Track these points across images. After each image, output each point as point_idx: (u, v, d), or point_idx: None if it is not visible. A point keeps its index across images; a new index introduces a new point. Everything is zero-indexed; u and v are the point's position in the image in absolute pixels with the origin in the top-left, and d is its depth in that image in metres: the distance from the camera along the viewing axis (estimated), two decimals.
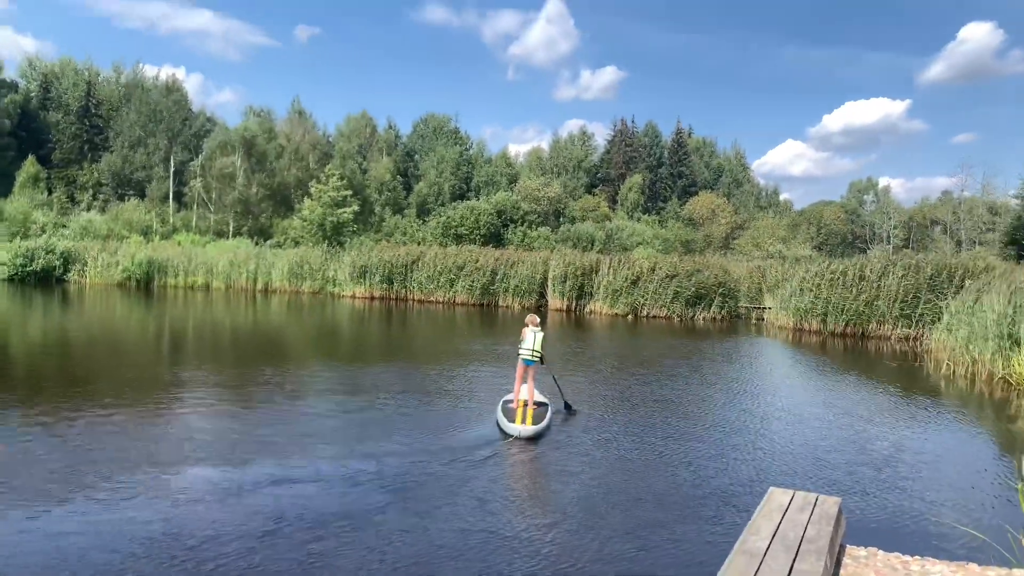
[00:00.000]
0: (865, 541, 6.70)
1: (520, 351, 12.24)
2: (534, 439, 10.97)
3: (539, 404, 12.43)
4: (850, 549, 6.42)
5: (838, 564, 6.06)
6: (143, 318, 28.01)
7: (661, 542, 7.15)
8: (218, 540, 6.73)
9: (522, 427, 11.00)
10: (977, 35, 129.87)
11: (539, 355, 12.19)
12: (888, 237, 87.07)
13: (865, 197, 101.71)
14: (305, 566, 6.31)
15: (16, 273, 40.48)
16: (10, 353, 18.18)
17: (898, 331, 26.57)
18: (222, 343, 21.88)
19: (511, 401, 12.41)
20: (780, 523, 6.04)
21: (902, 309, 26.64)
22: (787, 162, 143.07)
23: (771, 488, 7.02)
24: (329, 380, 15.71)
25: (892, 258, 29.46)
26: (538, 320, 12.57)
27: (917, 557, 6.28)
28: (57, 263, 41.69)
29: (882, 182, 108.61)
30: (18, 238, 45.55)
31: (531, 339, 12.16)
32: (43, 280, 40.80)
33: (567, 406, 12.84)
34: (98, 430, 10.45)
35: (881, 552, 6.38)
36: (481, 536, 7.09)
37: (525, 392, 12.27)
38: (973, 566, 6.08)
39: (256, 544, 6.69)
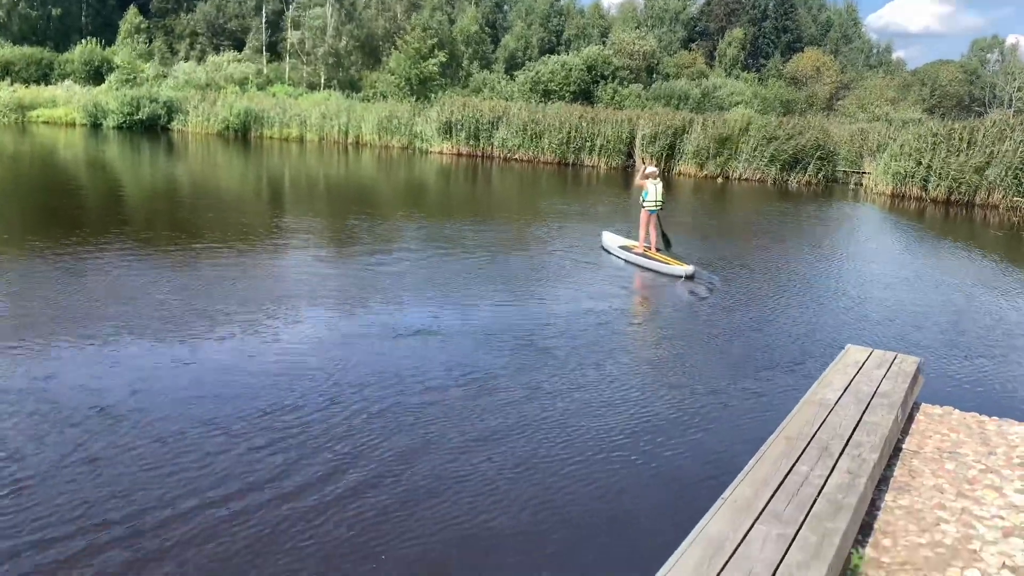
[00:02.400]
0: (943, 401, 6.73)
1: (644, 203, 13.39)
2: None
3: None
4: (925, 407, 6.48)
5: (911, 420, 6.15)
6: (245, 168, 28.98)
7: (737, 392, 7.35)
8: (350, 379, 7.24)
9: (686, 267, 12.43)
10: None
11: (662, 204, 13.50)
12: (1010, 100, 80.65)
13: (988, 56, 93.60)
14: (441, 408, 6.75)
15: (124, 121, 42.03)
16: (126, 200, 19.24)
17: (1008, 200, 25.13)
18: (320, 194, 22.58)
19: (630, 248, 13.70)
20: (854, 378, 6.13)
21: (1015, 176, 25.08)
22: (905, 17, 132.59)
23: (848, 345, 7.07)
24: (430, 232, 16.15)
25: (1011, 122, 27.44)
26: (657, 172, 13.62)
27: (995, 418, 6.30)
28: (161, 112, 43.00)
29: (1010, 40, 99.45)
30: (126, 87, 46.98)
31: (654, 190, 13.28)
32: (149, 128, 42.26)
33: (666, 240, 13.72)
34: (215, 272, 11.11)
35: (957, 411, 6.42)
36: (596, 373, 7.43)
37: (650, 240, 13.52)
38: None
39: (389, 389, 6.99)
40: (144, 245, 12.64)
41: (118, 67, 53.26)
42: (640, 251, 13.49)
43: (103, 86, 49.84)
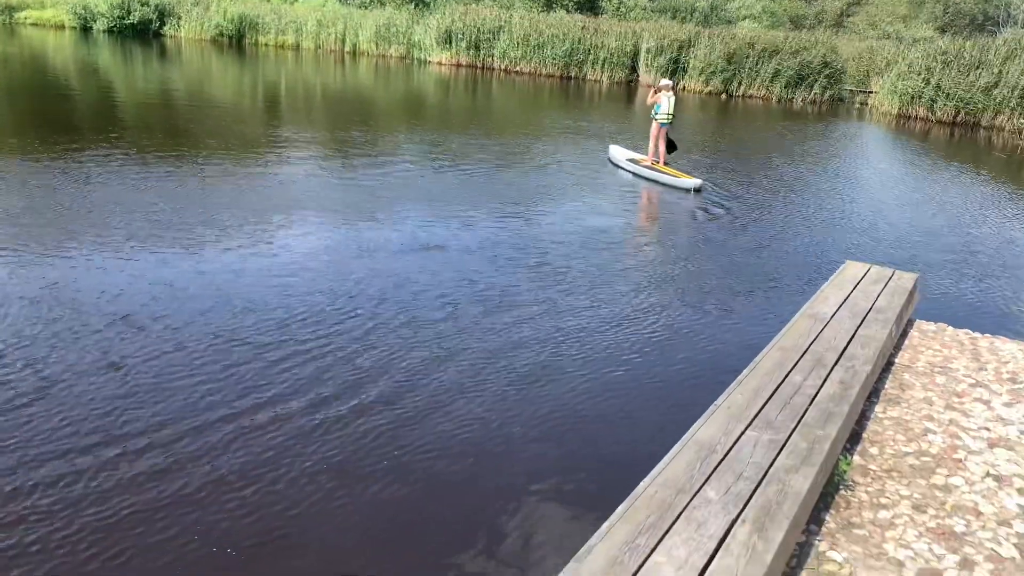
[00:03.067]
0: (938, 318, 6.78)
1: (656, 116, 13.50)
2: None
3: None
4: (919, 323, 6.54)
5: (905, 335, 6.21)
6: (241, 76, 28.36)
7: (738, 306, 7.40)
8: (350, 287, 7.27)
9: (693, 181, 12.59)
10: None
11: (672, 117, 13.60)
12: None
13: None
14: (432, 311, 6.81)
15: (115, 25, 40.89)
16: (120, 106, 18.86)
17: (1014, 122, 24.77)
18: (318, 104, 22.17)
19: (638, 161, 13.87)
20: (851, 293, 6.15)
21: (1023, 98, 24.64)
22: None
23: (847, 261, 7.07)
24: (432, 145, 15.94)
25: (1022, 41, 26.78)
26: (671, 84, 13.79)
27: (988, 335, 6.36)
28: (152, 16, 41.79)
29: None
30: None
31: (667, 103, 13.41)
32: (140, 33, 41.15)
33: (672, 144, 13.90)
34: (217, 180, 10.99)
35: (950, 328, 6.48)
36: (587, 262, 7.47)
37: (659, 154, 13.72)
38: None
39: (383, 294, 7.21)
40: (142, 153, 12.45)
41: None
42: (648, 164, 13.65)
43: None
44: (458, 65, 36.42)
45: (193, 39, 40.95)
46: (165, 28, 42.21)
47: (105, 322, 5.92)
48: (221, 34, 40.98)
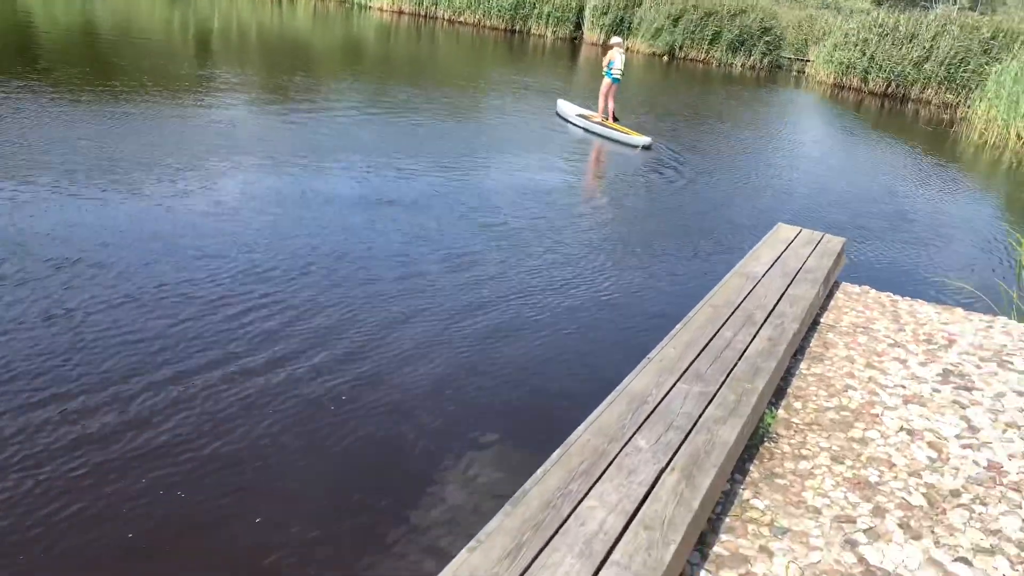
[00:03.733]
0: (862, 281, 7.01)
1: (610, 72, 13.81)
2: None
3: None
4: (845, 285, 6.75)
5: (831, 297, 6.41)
6: (170, 12, 27.14)
7: (666, 261, 7.52)
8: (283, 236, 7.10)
9: (643, 138, 12.85)
10: None
11: (622, 73, 14.01)
12: None
13: None
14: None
15: None
16: (37, 40, 17.88)
17: (941, 96, 25.59)
18: (252, 46, 21.41)
19: (588, 117, 14.00)
20: (782, 253, 6.31)
21: (949, 72, 25.43)
22: None
23: (779, 223, 7.24)
24: (376, 94, 15.57)
25: (952, 16, 27.56)
26: (622, 42, 14.43)
27: (908, 298, 6.61)
28: None
29: None
30: None
31: (620, 59, 13.84)
32: None
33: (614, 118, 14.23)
34: (152, 120, 10.54)
35: (873, 291, 6.71)
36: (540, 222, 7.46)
37: (608, 110, 14.04)
38: (959, 310, 6.41)
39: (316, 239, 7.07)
40: (72, 89, 11.78)
41: None
42: (598, 120, 13.86)
43: None
44: (400, 12, 35.61)
45: None
46: None
47: (48, 269, 5.64)
48: None
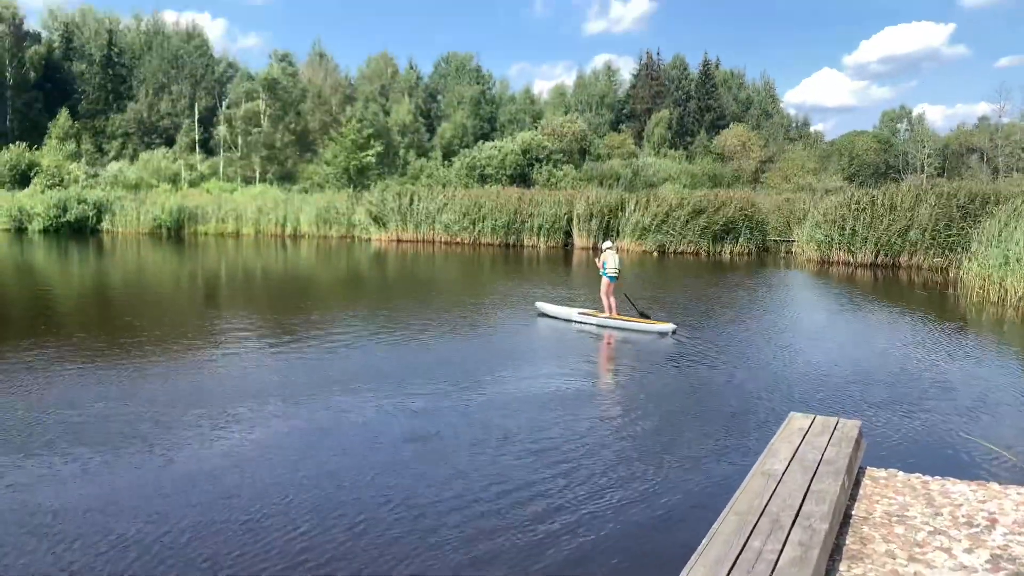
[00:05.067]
0: (887, 463, 6.78)
1: (606, 272, 14.92)
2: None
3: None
4: (870, 471, 6.52)
5: (857, 485, 6.16)
6: (179, 265, 28.50)
7: (685, 464, 7.30)
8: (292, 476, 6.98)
9: (668, 325, 13.97)
10: None
11: (619, 271, 15.09)
12: (922, 166, 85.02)
13: (898, 126, 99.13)
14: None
15: (51, 224, 41.18)
16: (58, 302, 18.64)
17: (930, 260, 26.23)
18: (259, 287, 22.26)
19: (592, 314, 15.00)
20: (799, 446, 6.14)
21: (934, 238, 26.26)
22: (822, 92, 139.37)
23: (791, 412, 7.12)
24: (374, 323, 15.95)
25: (924, 187, 28.90)
26: (612, 244, 15.57)
27: (938, 477, 6.36)
28: (90, 213, 42.29)
29: (917, 110, 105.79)
30: (52, 190, 46.28)
31: (613, 260, 14.92)
32: (77, 231, 41.47)
33: (642, 312, 14.99)
34: (155, 375, 10.73)
35: (901, 473, 6.47)
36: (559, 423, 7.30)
37: (611, 306, 14.97)
38: (994, 485, 6.15)
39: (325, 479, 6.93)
40: (80, 350, 12.12)
41: (43, 170, 52.65)
42: (605, 316, 14.82)
43: (28, 190, 49.01)
44: (398, 240, 37.38)
45: (131, 233, 41.36)
46: (102, 224, 42.62)
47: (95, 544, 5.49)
48: (160, 226, 41.52)
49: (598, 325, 14.72)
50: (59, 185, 49.25)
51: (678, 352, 12.60)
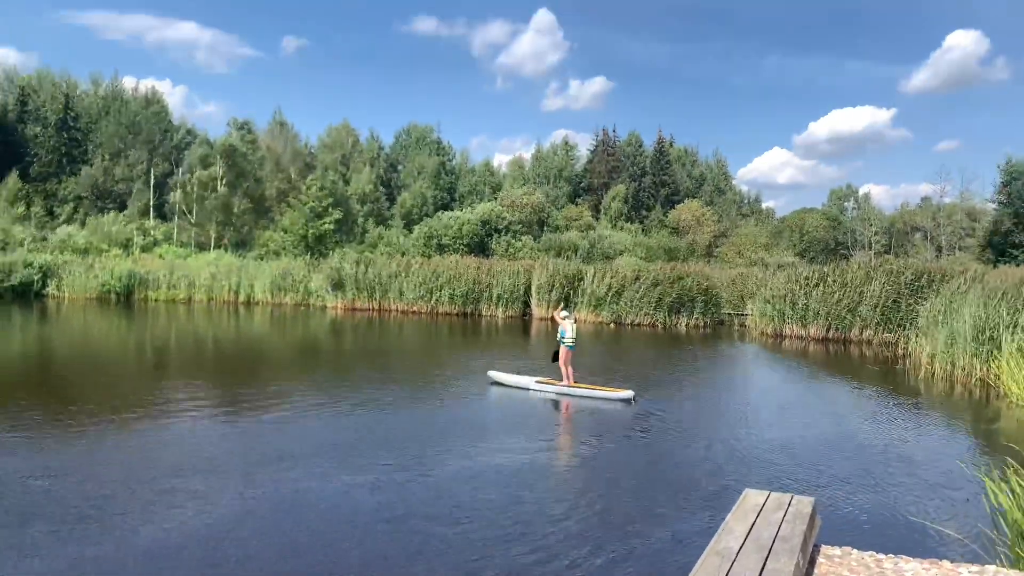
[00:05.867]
0: (840, 540, 6.70)
1: (564, 340, 15.23)
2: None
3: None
4: (825, 548, 6.42)
5: (812, 563, 6.06)
6: (127, 333, 27.76)
7: (636, 545, 7.14)
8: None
9: (626, 392, 14.34)
10: (963, 43, 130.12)
11: (575, 341, 15.47)
12: (870, 243, 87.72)
13: (846, 204, 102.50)
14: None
15: None
16: None
17: (880, 336, 26.75)
18: (211, 357, 21.73)
19: (546, 381, 15.30)
20: (754, 523, 6.04)
21: (883, 314, 26.84)
22: (772, 170, 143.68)
23: (746, 489, 7.02)
24: (330, 394, 15.56)
25: (873, 264, 29.69)
26: (569, 314, 15.95)
27: (891, 555, 6.29)
28: (36, 277, 41.22)
29: (863, 189, 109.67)
30: None
31: (570, 328, 15.38)
32: (21, 295, 40.32)
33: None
34: (99, 450, 10.29)
35: (855, 551, 6.38)
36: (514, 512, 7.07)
37: (569, 374, 15.19)
38: (946, 563, 6.09)
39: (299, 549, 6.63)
40: (21, 421, 11.60)
41: None
42: (565, 384, 15.02)
43: None
44: (354, 309, 37.04)
45: (78, 298, 40.35)
46: (47, 288, 41.52)
47: None
48: (108, 291, 40.59)
49: (557, 393, 14.94)
50: (2, 249, 48.02)
51: (636, 425, 12.60)
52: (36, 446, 10.19)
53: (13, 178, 63.03)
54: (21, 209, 60.83)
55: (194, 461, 9.62)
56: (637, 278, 33.54)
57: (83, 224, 59.98)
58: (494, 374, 16.09)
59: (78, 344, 23.36)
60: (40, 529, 7.06)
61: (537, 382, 15.38)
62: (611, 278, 33.78)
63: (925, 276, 27.22)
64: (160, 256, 50.64)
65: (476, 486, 8.88)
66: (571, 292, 34.44)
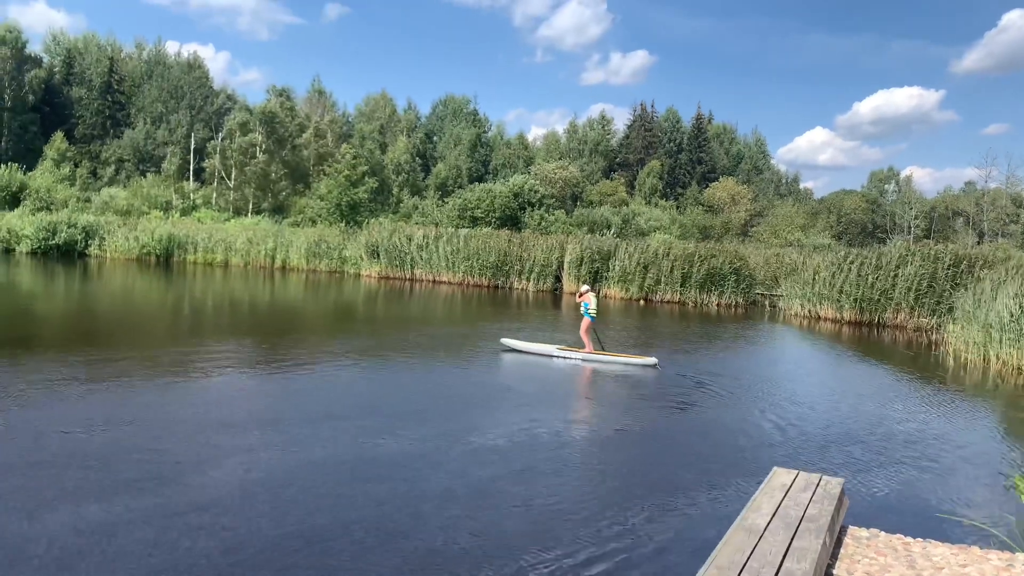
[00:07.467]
0: (868, 523, 6.75)
1: (589, 312, 16.37)
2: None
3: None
4: (852, 530, 6.48)
5: (839, 544, 6.12)
6: (167, 293, 28.32)
7: (664, 518, 7.23)
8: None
9: (650, 359, 15.63)
10: (1020, 23, 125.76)
11: (597, 312, 16.67)
12: (909, 228, 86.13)
13: (886, 187, 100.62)
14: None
15: (39, 246, 40.99)
16: (40, 325, 18.45)
17: (914, 320, 26.41)
18: (247, 318, 22.13)
19: (568, 349, 16.35)
20: (781, 501, 6.11)
21: (918, 298, 26.47)
22: (813, 149, 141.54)
23: (775, 468, 7.09)
24: (375, 356, 15.86)
25: (911, 247, 29.23)
26: (590, 288, 17.13)
27: (919, 539, 6.33)
28: (79, 237, 42.13)
29: (905, 172, 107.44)
30: (42, 212, 46.17)
31: (592, 301, 16.50)
32: (65, 254, 41.26)
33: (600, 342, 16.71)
34: (142, 402, 10.63)
35: (883, 533, 6.43)
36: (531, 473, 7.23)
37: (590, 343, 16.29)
38: (975, 549, 6.12)
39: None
40: (61, 371, 12.00)
41: (33, 192, 52.59)
42: (588, 351, 16.00)
43: (16, 211, 48.75)
44: (388, 278, 37.36)
45: (119, 258, 41.18)
46: (90, 248, 42.45)
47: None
48: (148, 253, 41.38)
49: (582, 360, 15.90)
50: (47, 208, 49.10)
51: (665, 395, 12.72)
52: (91, 396, 10.55)
53: (59, 139, 64.22)
54: (66, 170, 62.01)
55: (242, 416, 10.01)
56: (667, 254, 33.37)
57: (125, 186, 60.99)
58: (508, 341, 16.88)
59: (124, 301, 23.93)
60: (98, 477, 7.33)
61: (559, 349, 16.40)
62: (641, 253, 33.66)
63: (965, 262, 26.73)
64: (198, 220, 51.39)
65: (496, 457, 9.03)
66: (601, 268, 34.39)
